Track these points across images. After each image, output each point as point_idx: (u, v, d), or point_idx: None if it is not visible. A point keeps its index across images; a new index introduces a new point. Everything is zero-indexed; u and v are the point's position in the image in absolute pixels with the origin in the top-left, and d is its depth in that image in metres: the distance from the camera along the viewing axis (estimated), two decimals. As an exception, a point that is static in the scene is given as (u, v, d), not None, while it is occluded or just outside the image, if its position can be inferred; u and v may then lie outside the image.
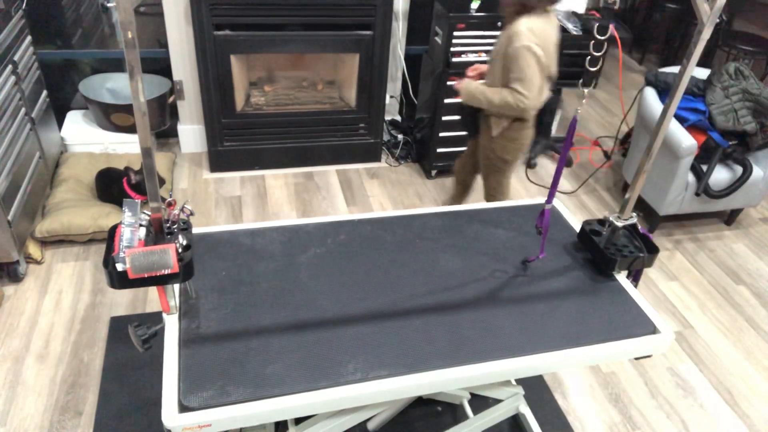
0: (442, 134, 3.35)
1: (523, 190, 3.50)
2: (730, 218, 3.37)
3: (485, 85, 2.26)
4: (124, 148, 3.26)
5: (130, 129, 3.25)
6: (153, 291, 2.54)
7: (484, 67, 2.39)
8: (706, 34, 1.30)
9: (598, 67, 3.40)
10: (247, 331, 1.37)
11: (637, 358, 1.55)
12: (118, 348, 2.26)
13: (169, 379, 1.24)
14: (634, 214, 1.63)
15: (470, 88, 2.25)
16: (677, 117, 3.03)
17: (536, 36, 2.04)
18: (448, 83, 3.14)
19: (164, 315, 1.38)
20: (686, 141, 2.82)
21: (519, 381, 2.14)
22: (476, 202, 2.97)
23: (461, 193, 2.81)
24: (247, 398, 1.22)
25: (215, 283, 1.49)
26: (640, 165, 1.52)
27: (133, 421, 2.01)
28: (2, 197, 2.33)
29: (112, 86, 3.35)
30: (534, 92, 2.09)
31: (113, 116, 3.20)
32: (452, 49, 3.05)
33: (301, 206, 3.18)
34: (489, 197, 2.56)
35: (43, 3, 3.03)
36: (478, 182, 2.63)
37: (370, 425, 2.03)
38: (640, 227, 1.65)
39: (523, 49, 2.03)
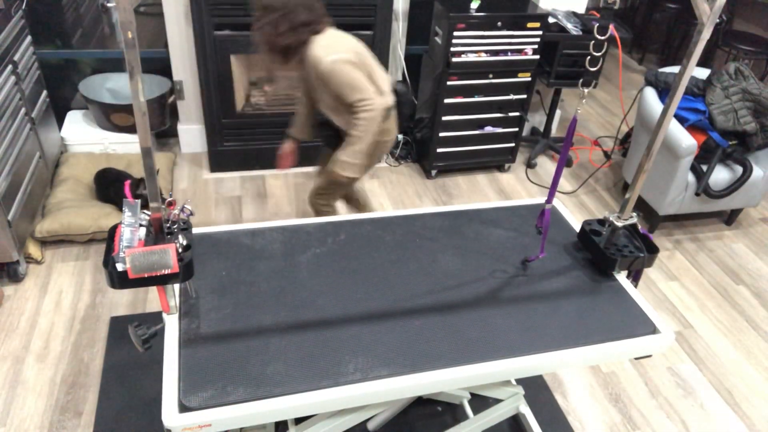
0: (442, 134, 3.35)
1: (523, 190, 3.50)
2: (730, 218, 3.37)
3: (333, 117, 2.18)
4: (124, 148, 3.26)
5: (130, 129, 3.25)
6: (153, 291, 2.54)
7: (289, 148, 2.43)
8: (706, 34, 1.30)
9: (598, 67, 3.40)
10: (247, 331, 1.37)
11: (637, 358, 1.56)
12: (118, 348, 2.26)
13: (169, 379, 1.24)
14: (634, 214, 1.63)
15: (345, 161, 2.09)
16: (677, 117, 3.03)
17: (332, 47, 1.98)
18: (448, 83, 3.15)
19: (164, 315, 1.38)
20: (686, 141, 2.82)
21: (519, 381, 2.14)
22: (476, 202, 2.97)
23: (357, 207, 2.73)
24: (247, 398, 1.22)
25: (215, 283, 1.49)
26: (640, 165, 1.52)
27: (133, 421, 2.01)
28: (2, 197, 2.33)
29: (112, 86, 3.35)
30: (369, 91, 2.01)
31: (113, 116, 3.20)
32: (452, 49, 3.06)
33: (301, 206, 3.17)
34: (319, 198, 2.45)
35: (43, 3, 3.03)
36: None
37: (370, 425, 2.03)
38: (640, 227, 1.65)
39: (330, 65, 1.96)
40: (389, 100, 2.11)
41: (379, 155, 2.30)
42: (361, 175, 2.22)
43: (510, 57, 3.17)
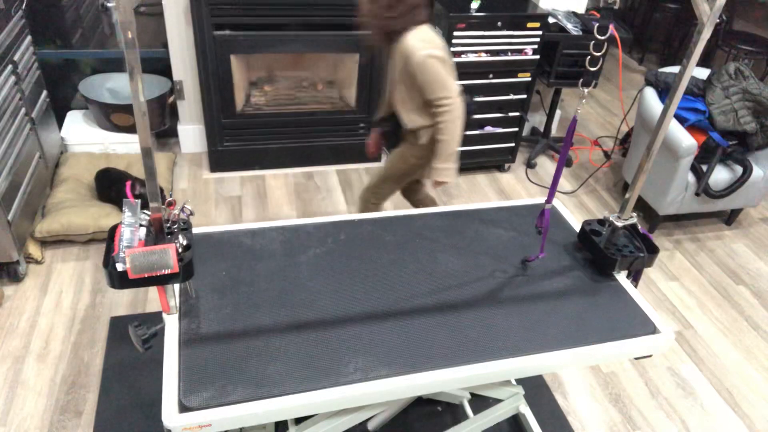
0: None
1: (523, 190, 3.50)
2: (730, 218, 3.37)
3: (402, 112, 2.19)
4: (124, 148, 3.26)
5: (130, 129, 3.25)
6: (153, 291, 2.54)
7: (375, 136, 2.44)
8: (706, 34, 1.30)
9: (598, 67, 3.40)
10: (247, 331, 1.37)
11: (637, 358, 1.55)
12: (118, 348, 2.26)
13: (169, 379, 1.24)
14: (634, 214, 1.63)
15: (441, 168, 2.13)
16: (677, 117, 3.03)
17: (429, 42, 2.01)
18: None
19: (164, 315, 1.38)
20: (686, 141, 2.82)
21: (519, 381, 2.14)
22: (476, 202, 2.97)
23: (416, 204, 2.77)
24: (247, 398, 1.22)
25: (215, 283, 1.49)
26: (640, 165, 1.52)
27: (133, 421, 2.01)
28: (2, 197, 2.33)
29: (112, 86, 3.35)
30: (453, 90, 2.03)
31: (113, 116, 3.20)
32: (452, 49, 3.05)
33: (301, 206, 3.18)
34: (372, 196, 2.48)
35: (43, 3, 3.03)
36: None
37: (370, 425, 2.03)
38: (640, 227, 1.65)
39: (424, 58, 1.98)
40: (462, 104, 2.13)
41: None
42: (455, 177, 2.20)
43: (510, 57, 3.17)
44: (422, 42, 2.00)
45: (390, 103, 2.32)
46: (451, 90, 2.03)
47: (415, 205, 2.72)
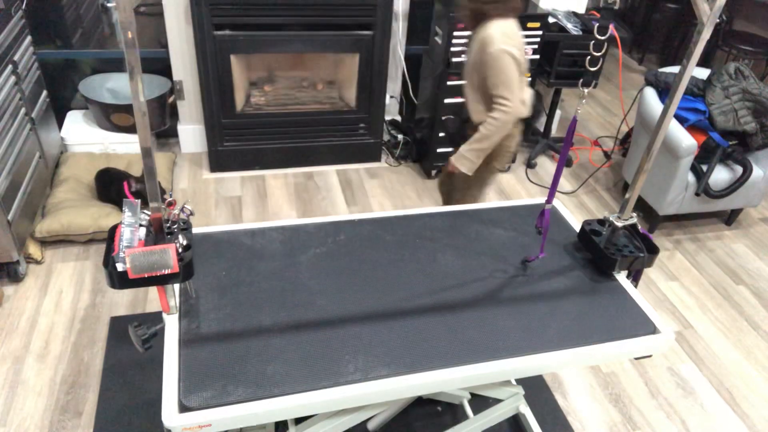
0: (442, 134, 3.34)
1: (523, 190, 3.50)
2: (730, 218, 3.37)
3: (470, 102, 2.18)
4: (124, 148, 3.26)
5: (130, 129, 3.25)
6: (153, 291, 2.54)
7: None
8: (706, 34, 1.30)
9: (598, 67, 3.40)
10: (247, 331, 1.37)
11: (637, 358, 1.55)
12: (118, 348, 2.26)
13: (169, 379, 1.24)
14: (634, 214, 1.63)
15: (463, 155, 2.13)
16: (677, 117, 3.03)
17: (509, 38, 1.99)
18: (448, 83, 3.15)
19: (164, 315, 1.38)
20: (686, 141, 2.82)
21: (519, 381, 2.14)
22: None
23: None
24: (247, 398, 1.22)
25: (215, 283, 1.49)
26: (640, 165, 1.52)
27: (133, 421, 2.01)
28: (2, 197, 2.33)
29: (112, 86, 3.35)
30: (515, 94, 2.03)
31: (113, 116, 3.20)
32: (452, 49, 3.05)
33: (301, 206, 3.18)
34: (456, 193, 2.44)
35: (43, 3, 3.03)
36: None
37: (370, 425, 2.03)
38: (640, 227, 1.65)
39: (499, 52, 1.97)
40: (525, 111, 2.10)
41: (499, 161, 2.26)
42: (471, 172, 2.18)
43: (510, 57, 3.17)
44: (503, 35, 1.97)
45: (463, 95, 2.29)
46: (513, 93, 2.01)
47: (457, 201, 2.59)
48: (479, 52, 2.04)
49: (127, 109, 3.18)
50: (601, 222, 1.69)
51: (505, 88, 2.01)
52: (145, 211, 1.29)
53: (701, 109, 3.05)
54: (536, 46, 3.18)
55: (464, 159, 2.15)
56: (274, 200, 3.20)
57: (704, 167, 3.00)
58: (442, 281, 1.57)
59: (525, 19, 3.08)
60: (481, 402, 2.12)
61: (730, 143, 3.03)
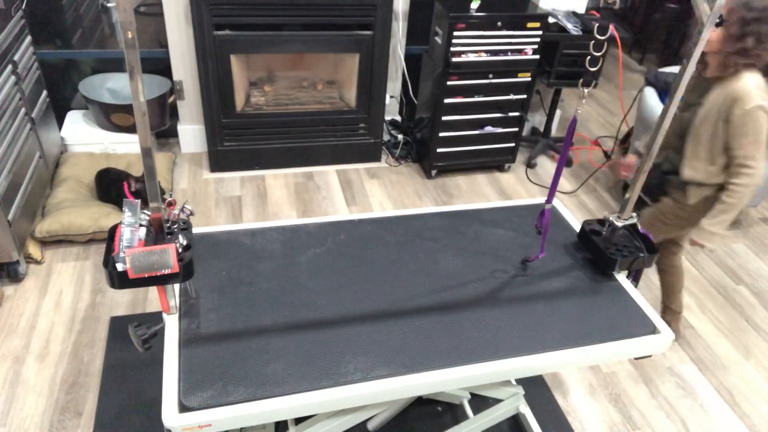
0: (442, 134, 3.35)
1: (523, 190, 3.50)
2: (730, 218, 3.36)
3: (688, 157, 1.99)
4: (124, 148, 3.26)
5: (130, 129, 3.25)
6: (153, 291, 2.54)
7: (633, 160, 2.20)
8: (706, 34, 1.30)
9: (598, 67, 3.40)
10: (247, 331, 1.37)
11: (637, 358, 1.55)
12: (118, 348, 2.26)
13: (169, 379, 1.24)
14: (634, 214, 1.63)
15: (710, 231, 1.94)
16: (677, 117, 3.03)
17: (765, 93, 1.80)
18: (448, 83, 3.14)
19: (164, 315, 1.38)
20: (686, 141, 2.82)
21: (519, 381, 2.14)
22: (476, 202, 2.97)
23: (665, 283, 2.48)
24: (247, 398, 1.22)
25: (215, 283, 1.49)
26: (640, 165, 1.52)
27: (133, 421, 2.01)
28: (2, 197, 2.32)
29: (112, 86, 3.35)
30: (762, 157, 1.83)
31: (113, 116, 3.20)
32: (452, 49, 3.06)
33: (301, 206, 3.18)
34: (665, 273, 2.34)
35: (43, 3, 3.03)
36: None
37: (370, 425, 2.03)
38: (640, 227, 1.65)
39: (756, 109, 1.78)
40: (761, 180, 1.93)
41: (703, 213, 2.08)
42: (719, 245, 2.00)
43: (510, 57, 3.17)
44: (759, 89, 1.79)
45: (672, 147, 2.08)
46: (761, 154, 1.84)
47: (660, 270, 2.45)
48: (725, 105, 1.85)
49: (127, 109, 3.18)
50: (601, 222, 1.69)
51: (755, 150, 1.83)
52: (145, 211, 1.29)
53: (701, 109, 3.04)
54: (536, 46, 3.18)
55: (709, 234, 1.96)
56: (274, 200, 3.20)
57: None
58: (442, 281, 1.56)
59: (525, 19, 3.08)
60: (481, 402, 2.12)
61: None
